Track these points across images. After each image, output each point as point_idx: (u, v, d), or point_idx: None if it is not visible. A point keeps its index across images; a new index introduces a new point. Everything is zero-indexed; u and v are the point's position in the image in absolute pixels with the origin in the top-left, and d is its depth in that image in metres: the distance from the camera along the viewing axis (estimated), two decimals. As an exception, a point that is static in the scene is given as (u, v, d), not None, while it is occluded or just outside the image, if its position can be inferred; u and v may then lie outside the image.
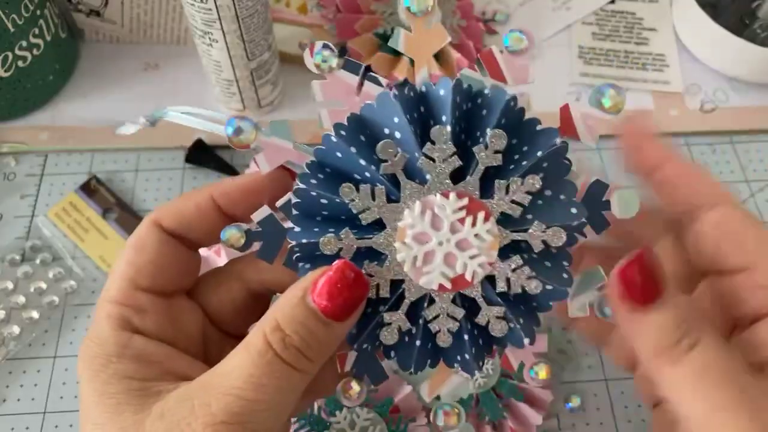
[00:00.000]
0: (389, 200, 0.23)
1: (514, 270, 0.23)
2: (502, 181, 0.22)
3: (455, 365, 0.24)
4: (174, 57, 0.56)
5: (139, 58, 0.55)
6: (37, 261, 0.45)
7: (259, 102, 0.51)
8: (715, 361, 0.22)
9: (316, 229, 0.23)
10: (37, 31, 0.49)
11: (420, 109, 0.23)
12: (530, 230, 0.22)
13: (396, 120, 0.22)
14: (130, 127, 0.33)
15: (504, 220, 0.23)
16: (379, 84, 0.24)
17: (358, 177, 0.23)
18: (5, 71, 0.48)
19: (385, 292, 0.23)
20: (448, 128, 0.22)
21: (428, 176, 0.22)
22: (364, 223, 0.23)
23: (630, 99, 0.54)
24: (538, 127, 0.23)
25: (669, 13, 0.59)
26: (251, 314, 0.26)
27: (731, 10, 0.54)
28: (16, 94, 0.50)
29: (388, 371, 0.25)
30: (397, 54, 0.51)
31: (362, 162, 0.22)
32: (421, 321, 0.23)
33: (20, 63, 0.48)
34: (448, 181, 0.22)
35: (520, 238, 0.23)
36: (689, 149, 0.52)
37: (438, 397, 0.26)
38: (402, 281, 0.23)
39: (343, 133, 0.23)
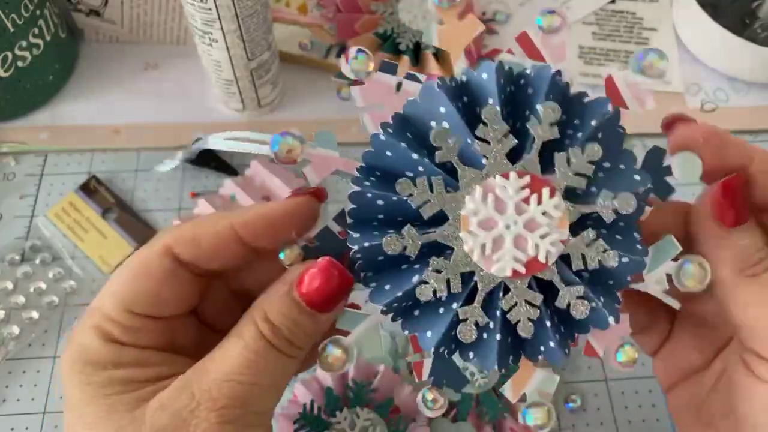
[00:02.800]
0: (448, 190, 0.22)
1: (588, 245, 0.21)
2: (561, 154, 0.21)
3: (539, 357, 0.23)
4: (174, 57, 0.56)
5: (139, 58, 0.55)
6: (37, 261, 0.45)
7: (259, 102, 0.51)
8: None
9: (375, 233, 0.22)
10: (36, 31, 0.49)
11: (463, 99, 0.22)
12: (599, 200, 0.21)
13: (442, 110, 0.22)
14: (169, 163, 0.32)
15: (569, 196, 0.22)
16: (419, 81, 0.24)
17: (411, 173, 0.22)
18: (5, 71, 0.48)
19: (456, 287, 0.22)
20: (498, 108, 0.21)
21: (484, 160, 0.22)
22: (425, 217, 0.22)
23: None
24: (586, 99, 0.22)
25: (669, 13, 0.59)
26: (235, 311, 0.26)
27: (731, 10, 0.54)
28: (16, 94, 0.50)
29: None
30: (397, 53, 0.51)
31: (414, 156, 0.22)
32: (498, 313, 0.22)
33: (20, 63, 0.48)
34: (506, 161, 0.22)
35: (589, 210, 0.22)
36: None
37: (523, 398, 0.25)
38: (472, 273, 0.22)
39: (390, 130, 0.22)
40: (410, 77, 0.24)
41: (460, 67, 0.24)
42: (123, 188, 0.49)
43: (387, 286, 0.23)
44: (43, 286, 0.44)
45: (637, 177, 0.22)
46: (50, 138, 0.51)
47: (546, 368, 0.24)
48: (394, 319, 0.23)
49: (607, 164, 0.22)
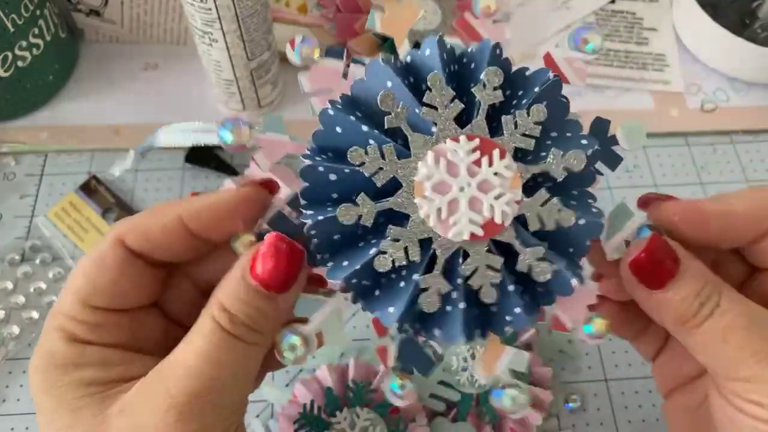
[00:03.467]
0: (400, 157, 0.22)
1: (543, 204, 0.21)
2: (507, 117, 0.22)
3: (507, 327, 0.22)
4: (174, 57, 0.55)
5: (139, 58, 0.55)
6: (37, 261, 0.45)
7: (259, 102, 0.51)
8: (737, 317, 0.23)
9: (329, 209, 0.22)
10: (36, 31, 0.49)
11: (409, 78, 0.23)
12: (549, 158, 0.22)
13: (389, 83, 0.22)
14: (121, 164, 0.31)
15: (519, 159, 0.22)
16: (363, 63, 0.24)
17: (363, 147, 0.22)
18: (5, 71, 0.48)
19: (415, 255, 0.21)
20: (442, 74, 0.22)
21: (433, 127, 0.22)
22: (378, 184, 0.21)
23: (630, 99, 0.55)
24: (528, 73, 0.23)
25: (669, 13, 0.59)
26: (200, 306, 0.26)
27: (731, 10, 0.54)
28: (16, 94, 0.50)
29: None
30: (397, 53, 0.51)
31: (364, 128, 0.22)
32: (459, 281, 0.22)
33: (20, 63, 0.48)
34: (455, 126, 0.22)
35: (540, 170, 0.22)
36: (690, 149, 0.52)
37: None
38: (430, 241, 0.22)
39: (339, 106, 0.22)
40: (357, 62, 0.24)
41: (404, 50, 0.24)
42: (123, 188, 0.49)
43: (345, 263, 0.22)
44: (43, 286, 0.44)
45: (584, 141, 0.22)
46: (50, 138, 0.51)
47: (513, 349, 0.24)
48: (354, 301, 0.23)
49: (554, 133, 0.22)
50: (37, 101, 0.52)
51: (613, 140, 0.24)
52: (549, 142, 0.22)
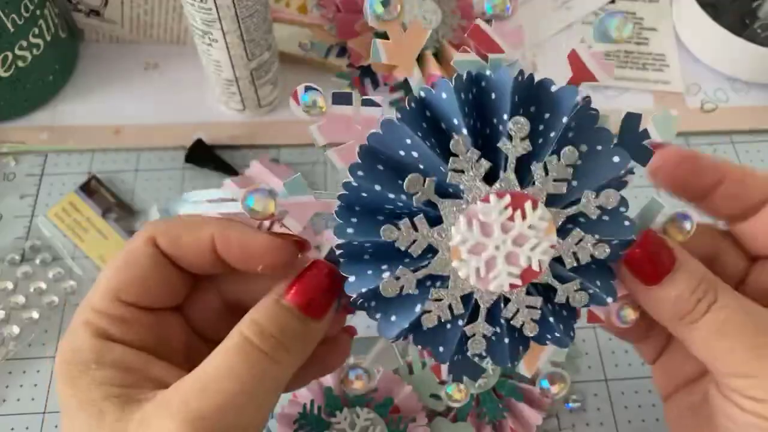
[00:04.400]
0: (432, 221, 0.22)
1: (578, 243, 0.22)
2: (538, 164, 0.21)
3: (547, 342, 0.24)
4: (174, 57, 0.55)
5: (139, 58, 0.55)
6: (37, 261, 0.45)
7: (259, 102, 0.51)
8: (733, 312, 0.23)
9: (369, 272, 0.23)
10: (36, 31, 0.49)
11: (426, 114, 0.22)
12: (582, 201, 0.22)
13: (408, 141, 0.21)
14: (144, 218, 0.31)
15: (552, 199, 0.22)
16: (375, 104, 0.23)
17: (391, 207, 0.22)
18: (5, 71, 0.48)
19: (458, 309, 0.22)
20: (465, 131, 0.21)
21: (462, 187, 0.22)
22: (415, 255, 0.22)
23: (630, 99, 0.55)
24: (554, 89, 0.22)
25: (669, 13, 0.59)
26: (229, 324, 0.26)
27: (731, 10, 0.54)
28: (16, 94, 0.50)
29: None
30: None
31: (391, 195, 0.22)
32: (503, 321, 0.23)
33: (20, 63, 0.48)
34: (483, 186, 0.22)
35: (574, 212, 0.22)
36: (689, 149, 0.52)
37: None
38: (472, 293, 0.23)
39: (360, 173, 0.22)
40: (367, 102, 0.23)
41: (416, 81, 0.23)
42: (123, 188, 0.49)
43: (393, 318, 0.23)
44: (43, 286, 0.44)
45: (616, 159, 0.22)
46: (50, 138, 0.51)
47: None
48: (404, 339, 0.24)
49: (584, 146, 0.22)
50: (37, 101, 0.52)
51: (645, 134, 0.24)
52: (579, 162, 0.22)
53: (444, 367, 0.25)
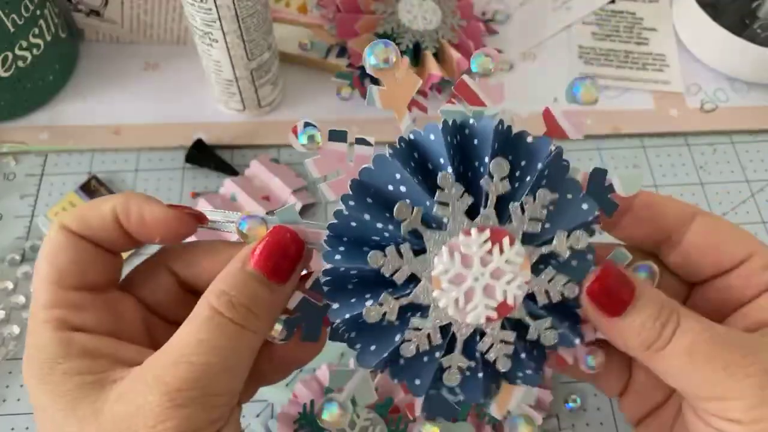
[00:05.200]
0: (415, 252, 0.23)
1: (549, 281, 0.23)
2: (515, 204, 0.23)
3: (518, 381, 0.25)
4: (174, 57, 0.56)
5: (139, 58, 0.56)
6: (37, 261, 0.45)
7: (259, 102, 0.51)
8: (699, 335, 0.23)
9: (353, 300, 0.24)
10: (37, 31, 0.49)
11: (414, 155, 0.24)
12: (554, 241, 0.23)
13: (398, 176, 0.23)
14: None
15: (527, 238, 0.24)
16: (367, 143, 0.25)
17: (377, 238, 0.24)
18: (5, 71, 0.48)
19: (436, 340, 0.24)
20: (450, 169, 0.23)
21: (445, 220, 0.23)
22: (398, 282, 0.23)
23: (630, 99, 0.55)
24: (529, 139, 0.24)
25: (669, 13, 0.59)
26: (191, 301, 0.26)
27: (731, 10, 0.54)
28: (16, 94, 0.50)
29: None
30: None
31: (378, 225, 0.23)
32: (477, 354, 0.24)
33: (20, 63, 0.48)
34: (466, 219, 0.23)
35: (546, 251, 0.23)
36: (689, 149, 0.52)
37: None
38: (450, 324, 0.24)
39: (351, 203, 0.23)
40: (360, 141, 0.25)
41: (406, 125, 0.25)
42: (123, 188, 0.49)
43: (372, 347, 0.24)
44: (44, 286, 0.44)
45: (584, 206, 0.24)
46: (50, 138, 0.51)
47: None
48: (381, 371, 0.25)
49: (555, 194, 0.24)
50: (37, 101, 0.52)
51: (610, 188, 0.25)
52: (551, 207, 0.24)
53: (418, 404, 0.26)
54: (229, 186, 0.47)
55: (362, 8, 0.51)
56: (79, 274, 0.25)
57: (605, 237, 0.28)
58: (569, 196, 0.24)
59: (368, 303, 0.23)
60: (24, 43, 0.48)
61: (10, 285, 0.44)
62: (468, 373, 0.24)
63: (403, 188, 0.23)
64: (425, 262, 0.23)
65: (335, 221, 0.24)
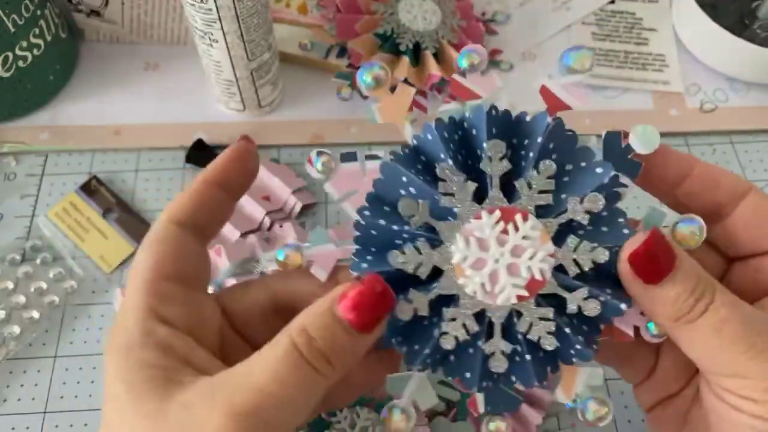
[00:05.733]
0: (433, 246, 0.24)
1: (575, 250, 0.23)
2: (520, 180, 0.23)
3: (573, 359, 0.24)
4: (174, 57, 0.56)
5: (139, 58, 0.56)
6: (38, 261, 0.45)
7: (259, 102, 0.51)
8: (730, 314, 0.23)
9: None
10: (37, 31, 0.49)
11: (421, 158, 0.24)
12: (569, 207, 0.23)
13: (404, 179, 0.24)
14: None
15: (542, 213, 0.24)
16: (377, 157, 0.26)
17: (399, 241, 0.24)
18: (6, 71, 0.48)
19: (473, 327, 0.24)
20: (449, 161, 0.23)
21: (455, 209, 0.23)
22: (422, 277, 0.24)
23: (630, 99, 0.55)
24: (528, 119, 0.24)
25: (669, 14, 0.59)
26: (273, 324, 0.27)
27: (731, 10, 0.54)
28: (17, 94, 0.50)
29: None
30: (397, 53, 0.51)
31: (395, 227, 0.24)
32: (519, 337, 0.24)
33: (20, 63, 0.49)
34: (474, 204, 0.23)
35: (563, 219, 0.23)
36: (689, 149, 0.52)
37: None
38: (484, 311, 0.24)
39: (366, 213, 0.24)
40: (370, 158, 0.26)
41: (408, 134, 0.26)
42: (123, 188, 0.49)
43: (416, 347, 0.24)
44: (44, 285, 0.44)
45: (599, 170, 0.23)
46: (51, 138, 0.51)
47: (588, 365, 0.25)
48: (434, 371, 0.25)
49: (569, 166, 0.24)
50: (37, 101, 0.52)
51: (628, 149, 0.25)
52: (566, 179, 0.24)
53: (480, 400, 0.26)
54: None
55: (362, 8, 0.51)
56: (177, 264, 0.26)
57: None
58: (583, 164, 0.24)
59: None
60: (24, 43, 0.48)
61: (10, 285, 0.44)
62: (517, 359, 0.24)
63: (412, 190, 0.24)
64: (445, 253, 0.24)
65: (357, 234, 0.24)
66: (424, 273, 0.23)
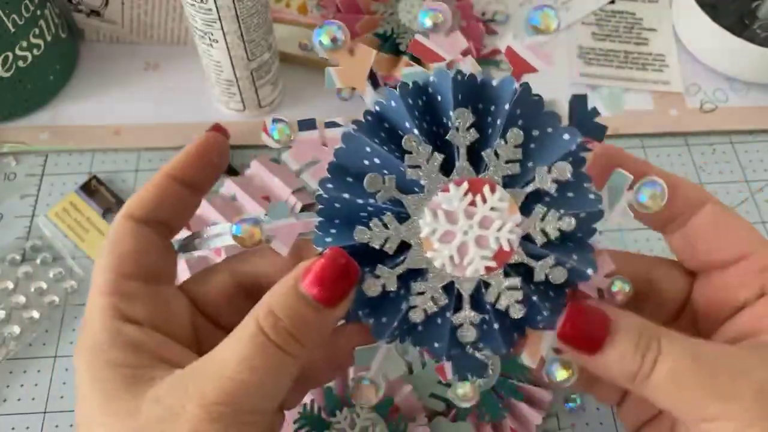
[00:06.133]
0: (402, 220, 0.23)
1: (542, 219, 0.23)
2: (487, 151, 0.23)
3: (539, 325, 0.24)
4: (174, 57, 0.56)
5: (139, 58, 0.56)
6: (38, 261, 0.45)
7: (259, 102, 0.51)
8: (681, 360, 0.23)
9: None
10: (37, 31, 0.49)
11: (384, 126, 0.24)
12: (536, 177, 0.23)
13: (368, 149, 0.23)
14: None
15: (510, 181, 0.23)
16: (337, 125, 0.25)
17: (365, 213, 0.24)
18: (6, 71, 0.48)
19: (442, 300, 0.23)
20: (416, 131, 0.23)
21: (422, 182, 0.23)
22: (390, 252, 0.23)
23: (629, 99, 0.55)
24: (494, 83, 0.23)
25: (669, 14, 0.59)
26: (243, 306, 0.26)
27: (731, 10, 0.54)
28: (17, 94, 0.50)
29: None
30: (397, 53, 0.51)
31: (360, 201, 0.23)
32: (488, 306, 0.24)
33: (20, 63, 0.49)
34: (441, 176, 0.23)
35: (531, 189, 0.23)
36: (689, 149, 0.52)
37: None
38: (452, 283, 0.23)
39: (329, 185, 0.23)
40: (330, 125, 0.25)
41: (369, 98, 0.25)
42: (123, 188, 0.49)
43: (383, 319, 0.24)
44: (44, 285, 0.44)
45: (566, 136, 0.23)
46: (51, 138, 0.51)
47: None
48: (402, 341, 0.25)
49: (535, 132, 0.23)
50: (37, 101, 0.52)
51: (595, 112, 0.24)
52: (533, 145, 0.23)
53: (447, 367, 0.26)
54: (229, 186, 0.47)
55: (362, 8, 0.51)
56: (138, 262, 0.26)
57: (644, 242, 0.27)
58: (549, 129, 0.23)
59: (366, 277, 0.23)
60: (24, 44, 0.48)
61: (10, 285, 0.44)
62: (485, 327, 0.24)
63: (376, 160, 0.23)
64: (412, 227, 0.23)
65: (320, 206, 0.24)
66: (391, 248, 0.23)
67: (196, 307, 0.27)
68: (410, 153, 0.22)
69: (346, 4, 0.51)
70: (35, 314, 0.43)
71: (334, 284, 0.23)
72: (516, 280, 0.23)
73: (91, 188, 0.48)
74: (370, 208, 0.23)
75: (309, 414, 0.37)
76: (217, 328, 0.28)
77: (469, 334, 0.24)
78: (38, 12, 0.48)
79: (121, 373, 0.23)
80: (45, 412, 0.41)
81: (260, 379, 0.22)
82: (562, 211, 0.23)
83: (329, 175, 0.24)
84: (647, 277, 0.28)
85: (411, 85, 0.23)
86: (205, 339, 0.27)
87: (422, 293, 0.23)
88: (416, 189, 0.23)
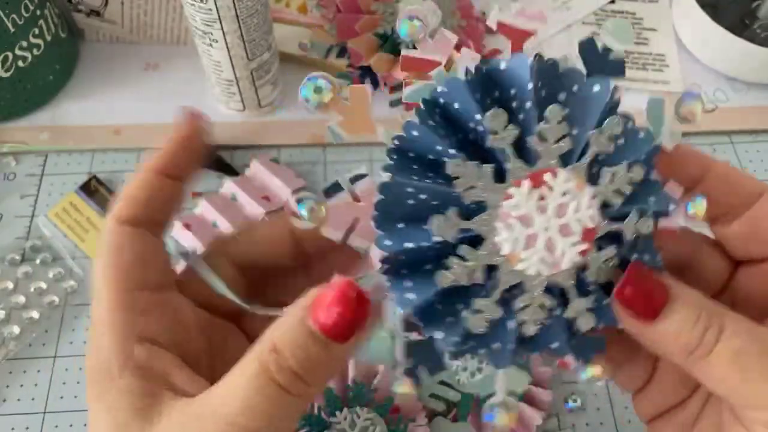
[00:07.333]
0: (473, 245, 0.21)
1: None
2: (533, 138, 0.21)
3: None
4: (174, 57, 0.56)
5: (139, 58, 0.56)
6: (37, 261, 0.45)
7: (259, 102, 0.51)
8: (747, 341, 0.22)
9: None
10: (37, 31, 0.49)
11: (410, 155, 0.22)
12: (592, 142, 0.21)
13: (409, 189, 0.21)
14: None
15: (564, 158, 0.22)
16: (364, 175, 0.23)
17: (432, 253, 0.22)
18: (5, 71, 0.48)
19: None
20: (451, 151, 0.21)
21: (482, 198, 0.21)
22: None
23: (630, 99, 0.54)
24: (502, 66, 0.22)
25: (669, 13, 0.59)
26: (243, 289, 0.26)
27: (731, 10, 0.54)
28: (16, 94, 0.50)
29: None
30: (397, 53, 0.51)
31: (425, 244, 0.21)
32: (590, 287, 0.22)
33: (20, 63, 0.49)
34: (499, 186, 0.21)
35: (590, 158, 0.21)
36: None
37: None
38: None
39: (387, 242, 0.21)
40: (356, 179, 0.23)
41: (384, 136, 0.23)
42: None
43: (494, 345, 0.22)
44: (44, 286, 0.44)
45: (596, 88, 0.22)
46: (50, 138, 0.51)
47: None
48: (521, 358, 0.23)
49: (562, 96, 0.22)
50: (37, 101, 0.52)
51: (607, 51, 0.23)
52: (567, 110, 0.21)
53: (569, 357, 0.24)
54: (229, 186, 0.47)
55: (362, 8, 0.51)
56: (143, 270, 0.24)
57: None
58: (575, 88, 0.22)
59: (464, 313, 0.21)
60: (24, 43, 0.48)
61: (10, 285, 0.44)
62: (596, 307, 0.22)
63: (422, 196, 0.22)
64: (490, 247, 0.21)
65: (386, 266, 0.21)
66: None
67: (200, 305, 0.26)
68: (458, 178, 0.21)
69: (346, 3, 0.51)
70: (35, 314, 0.43)
71: (345, 318, 0.21)
72: (611, 250, 0.22)
73: (90, 188, 0.48)
74: (437, 246, 0.21)
75: (309, 414, 0.37)
76: (224, 321, 0.27)
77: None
78: (38, 12, 0.48)
79: (132, 403, 0.22)
80: (45, 412, 0.41)
81: (263, 423, 0.21)
82: (625, 163, 0.21)
83: (382, 232, 0.22)
84: (687, 256, 0.27)
85: (422, 105, 0.22)
86: (215, 336, 0.26)
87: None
88: (473, 206, 0.21)
